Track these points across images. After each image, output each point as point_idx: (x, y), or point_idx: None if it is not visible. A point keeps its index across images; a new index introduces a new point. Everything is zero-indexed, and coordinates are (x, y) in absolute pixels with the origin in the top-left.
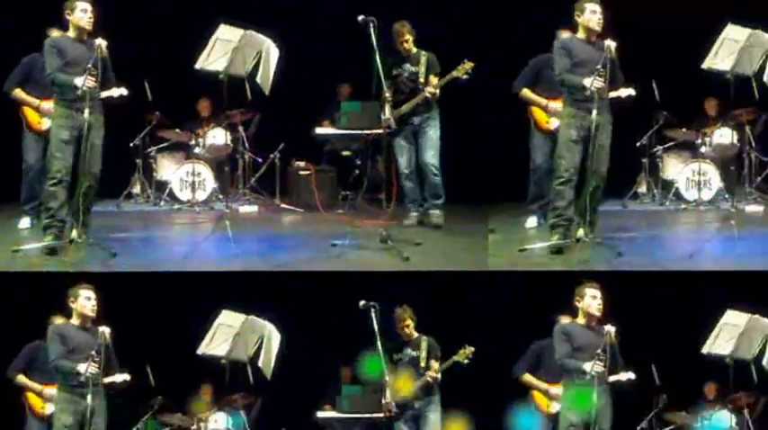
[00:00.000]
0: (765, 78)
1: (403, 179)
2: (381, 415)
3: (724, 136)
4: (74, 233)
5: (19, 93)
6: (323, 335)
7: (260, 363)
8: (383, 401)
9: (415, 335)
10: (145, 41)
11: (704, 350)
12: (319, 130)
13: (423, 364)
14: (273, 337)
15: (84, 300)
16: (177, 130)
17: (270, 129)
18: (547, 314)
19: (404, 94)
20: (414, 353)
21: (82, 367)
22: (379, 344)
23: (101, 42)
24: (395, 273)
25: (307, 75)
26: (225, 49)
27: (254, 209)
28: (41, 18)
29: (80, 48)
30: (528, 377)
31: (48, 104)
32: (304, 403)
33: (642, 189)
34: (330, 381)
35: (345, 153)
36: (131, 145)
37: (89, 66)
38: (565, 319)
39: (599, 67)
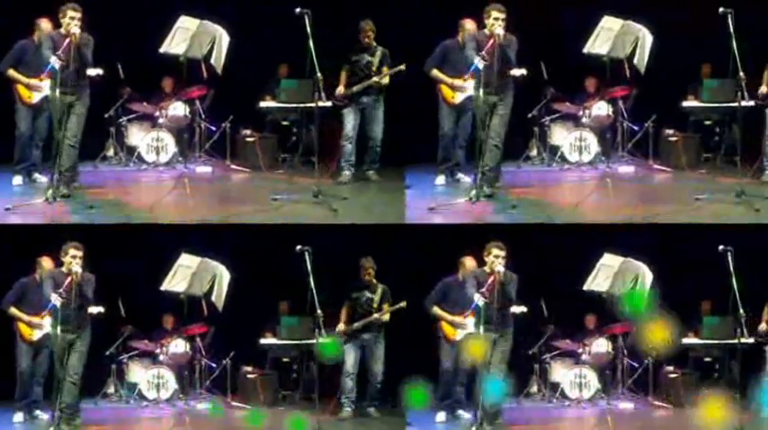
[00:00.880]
0: (636, 61)
1: (344, 141)
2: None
3: (601, 109)
4: (62, 188)
5: (12, 72)
6: (265, 274)
7: (213, 298)
8: None
9: (374, 281)
10: (118, 30)
11: (585, 287)
12: (262, 104)
13: (375, 306)
14: (224, 276)
15: (70, 258)
16: (145, 104)
17: (222, 103)
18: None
19: (358, 77)
20: (370, 296)
21: (54, 297)
22: (311, 282)
23: (75, 31)
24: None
25: (252, 57)
26: (184, 35)
27: (208, 169)
28: (31, 9)
29: (65, 40)
30: (436, 309)
31: (36, 82)
32: (249, 332)
33: (533, 152)
34: (270, 313)
35: (284, 122)
36: (106, 115)
37: (59, 51)
38: (468, 260)
39: (483, 52)
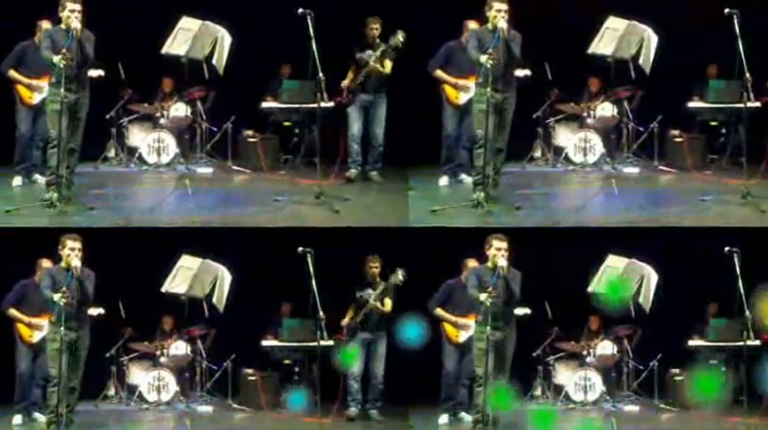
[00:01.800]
0: (640, 62)
1: (350, 141)
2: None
3: (606, 109)
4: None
5: (13, 73)
6: (266, 276)
7: (214, 300)
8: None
9: (378, 279)
10: (119, 30)
11: (589, 289)
12: (264, 104)
13: (374, 300)
14: (225, 278)
15: (69, 250)
16: (146, 104)
17: (223, 104)
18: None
19: (361, 72)
20: (372, 292)
21: (56, 296)
22: (313, 284)
23: (76, 25)
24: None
25: (254, 57)
26: (186, 36)
27: (209, 170)
28: (33, 11)
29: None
30: (440, 311)
31: (37, 83)
32: (251, 333)
33: (537, 153)
34: (272, 315)
35: (286, 123)
36: (107, 116)
37: (64, 47)
38: (472, 262)
39: (489, 48)
